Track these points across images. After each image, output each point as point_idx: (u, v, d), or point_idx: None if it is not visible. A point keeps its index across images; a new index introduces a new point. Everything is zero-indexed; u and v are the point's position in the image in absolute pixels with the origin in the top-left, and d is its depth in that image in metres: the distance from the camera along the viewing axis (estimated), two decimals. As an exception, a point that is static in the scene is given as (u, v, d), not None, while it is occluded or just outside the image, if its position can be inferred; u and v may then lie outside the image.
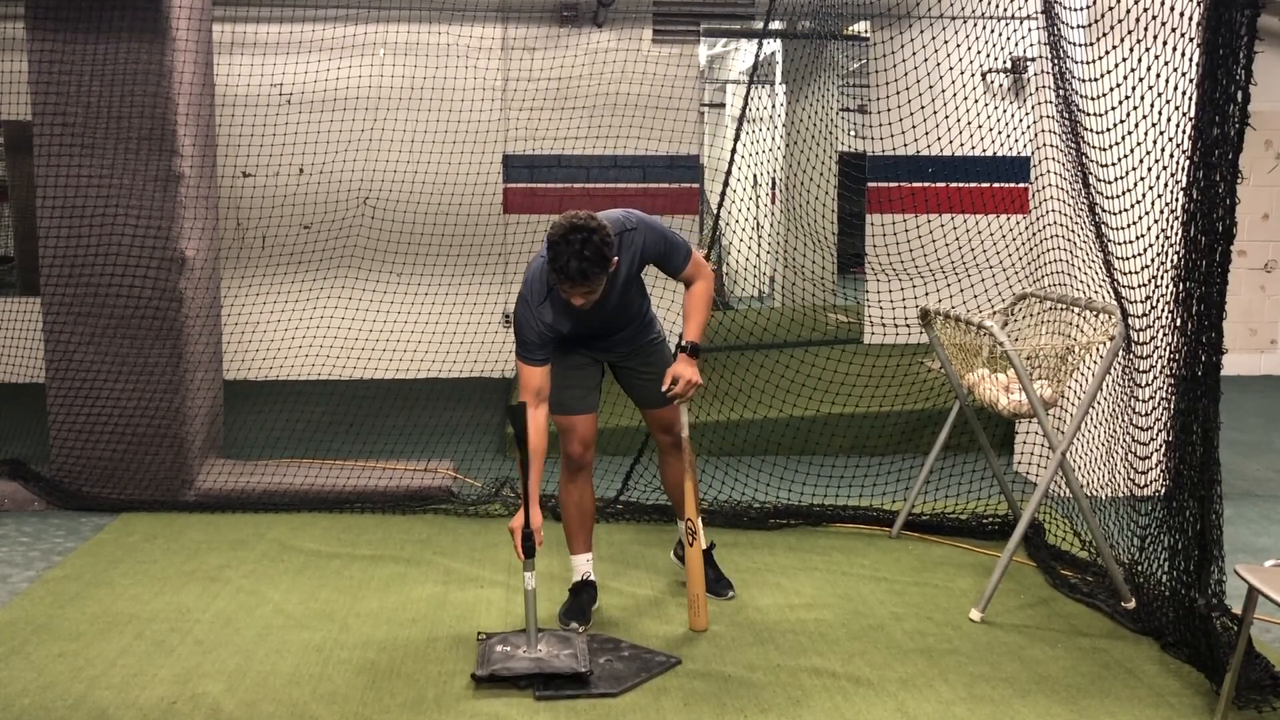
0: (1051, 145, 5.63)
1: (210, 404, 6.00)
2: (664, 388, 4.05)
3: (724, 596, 4.44)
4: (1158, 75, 3.96)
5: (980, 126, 6.99)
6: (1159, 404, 4.01)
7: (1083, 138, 4.77)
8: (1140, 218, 4.24)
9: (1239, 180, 3.45)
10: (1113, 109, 4.41)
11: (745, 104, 6.73)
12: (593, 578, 4.33)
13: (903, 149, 6.79)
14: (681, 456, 4.31)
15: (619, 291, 4.03)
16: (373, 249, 8.77)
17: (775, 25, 11.05)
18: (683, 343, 4.07)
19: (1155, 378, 4.06)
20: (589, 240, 3.67)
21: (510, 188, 9.33)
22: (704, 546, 4.35)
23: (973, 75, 7.46)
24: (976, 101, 7.11)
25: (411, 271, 8.75)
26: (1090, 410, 4.75)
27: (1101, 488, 4.86)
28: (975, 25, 6.72)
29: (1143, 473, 4.22)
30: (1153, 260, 4.09)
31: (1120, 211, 4.38)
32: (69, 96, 5.56)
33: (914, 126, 6.53)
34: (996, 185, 8.68)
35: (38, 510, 5.66)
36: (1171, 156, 3.87)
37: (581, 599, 4.27)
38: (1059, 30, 5.21)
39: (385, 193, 8.56)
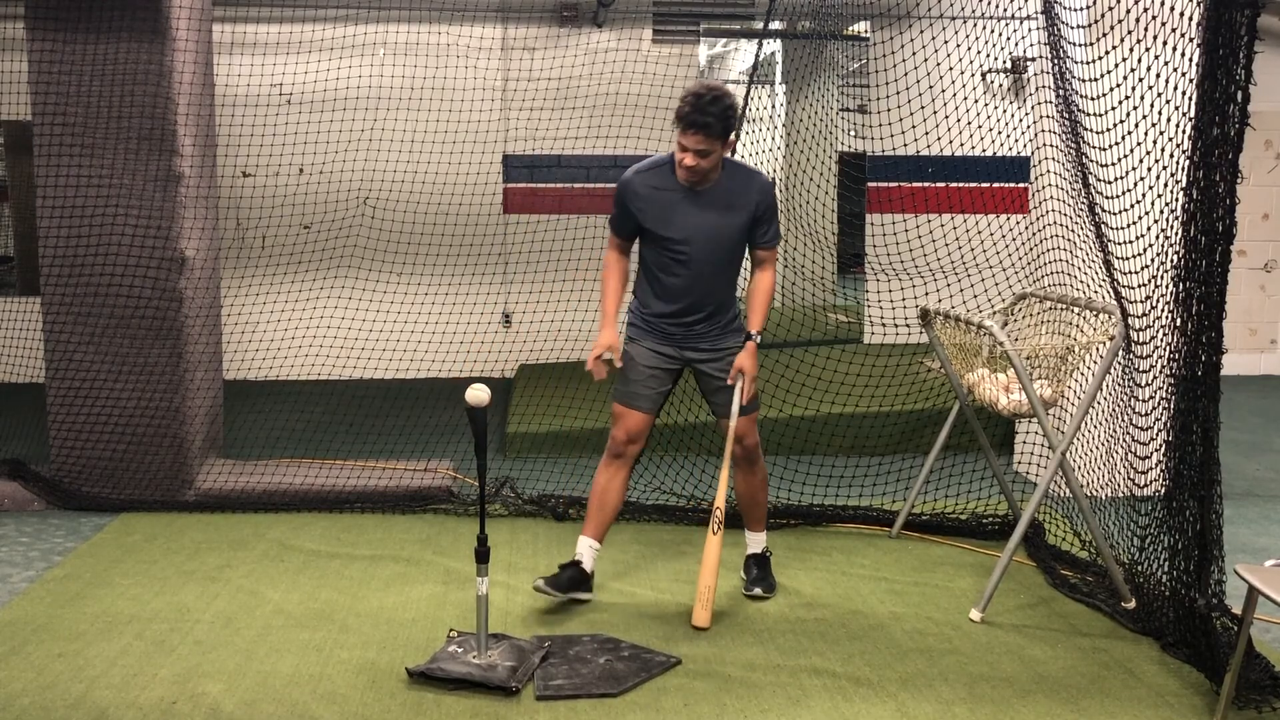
0: (1051, 145, 5.63)
1: (210, 404, 6.00)
2: (730, 379, 4.21)
3: (748, 591, 4.48)
4: (1158, 75, 3.96)
5: (980, 126, 6.99)
6: (1159, 404, 4.01)
7: (1083, 138, 4.77)
8: (1140, 218, 4.24)
9: (1239, 180, 3.45)
10: (1113, 109, 4.41)
11: (745, 104, 6.73)
12: (585, 565, 4.32)
13: (903, 149, 6.79)
14: (753, 469, 4.41)
15: (727, 221, 4.16)
16: (373, 249, 8.76)
17: (775, 25, 11.05)
18: (751, 332, 4.26)
19: (1155, 378, 4.06)
20: (718, 99, 3.97)
21: (510, 188, 9.33)
22: (756, 552, 4.54)
23: (973, 75, 7.46)
24: (976, 101, 7.11)
25: (411, 271, 8.75)
26: (1090, 410, 4.75)
27: (1101, 488, 4.86)
28: (975, 25, 6.72)
29: (1143, 473, 4.22)
30: (1153, 260, 4.09)
31: (1120, 211, 4.38)
32: (69, 96, 5.56)
33: (914, 126, 6.53)
34: (996, 185, 8.68)
35: (38, 510, 5.66)
36: (1171, 156, 3.87)
37: (560, 576, 4.29)
38: (1059, 30, 5.21)
39: (385, 193, 8.56)
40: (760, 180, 4.25)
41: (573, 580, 4.29)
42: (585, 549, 4.34)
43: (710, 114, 3.94)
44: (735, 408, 4.27)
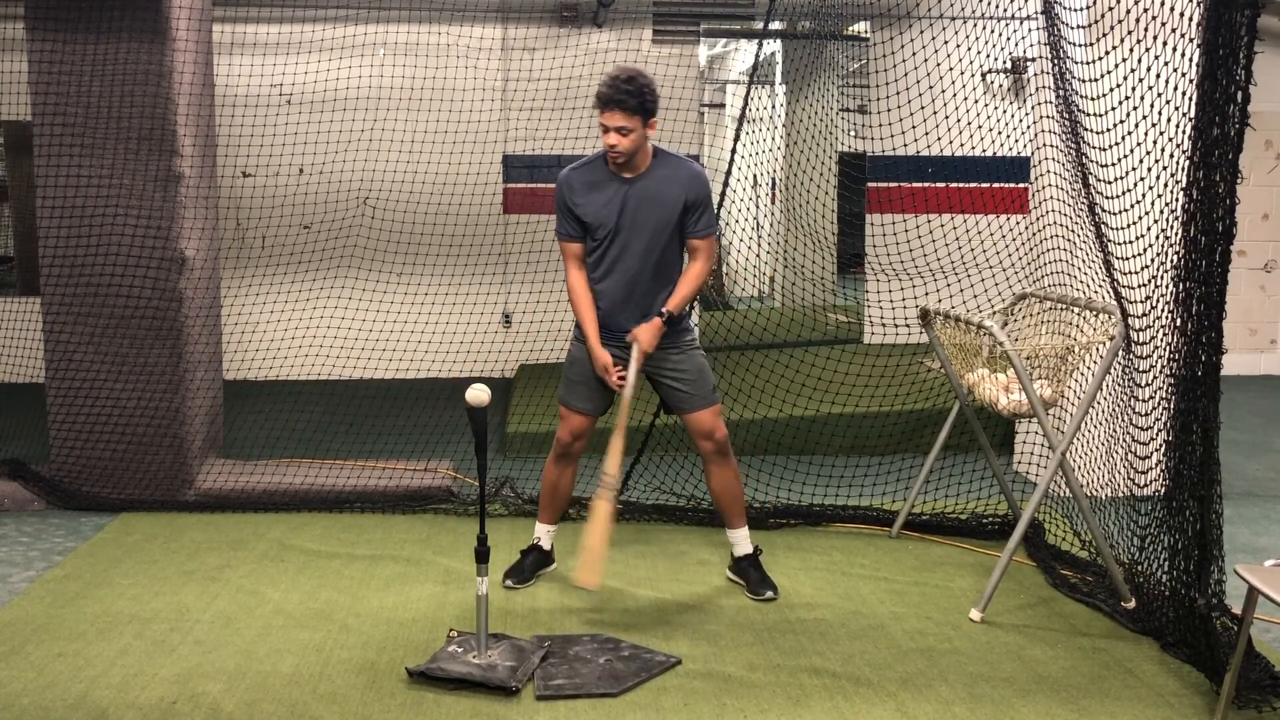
0: (1051, 145, 5.62)
1: (210, 404, 6.00)
2: (629, 339, 4.28)
3: (760, 596, 4.46)
4: (1158, 75, 3.96)
5: (980, 126, 6.99)
6: (1159, 404, 4.01)
7: (1083, 138, 4.77)
8: (1140, 218, 4.24)
9: (1239, 180, 3.45)
10: (1113, 109, 4.41)
11: (745, 104, 6.73)
12: (545, 545, 4.65)
13: (903, 149, 6.79)
14: (727, 464, 4.44)
15: (659, 209, 4.22)
16: (373, 249, 8.77)
17: (775, 25, 11.05)
18: (662, 310, 4.29)
19: (1155, 378, 4.07)
20: (633, 79, 4.09)
21: (510, 188, 9.33)
22: (749, 552, 4.55)
23: (972, 75, 7.46)
24: (976, 101, 7.11)
25: (411, 271, 8.75)
26: (1090, 410, 4.75)
27: (1101, 488, 4.86)
28: (975, 25, 6.71)
29: (1143, 473, 4.22)
30: (1153, 260, 4.09)
31: (1120, 211, 4.38)
32: (69, 96, 5.56)
33: (914, 126, 6.53)
34: (996, 185, 8.68)
35: (38, 510, 5.66)
36: (1171, 156, 3.87)
37: (524, 561, 4.61)
38: (1059, 30, 5.21)
39: (385, 193, 8.56)
40: (690, 168, 4.30)
41: (536, 563, 4.64)
42: (543, 533, 4.67)
43: (624, 91, 4.06)
44: (631, 374, 4.28)
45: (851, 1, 8.01)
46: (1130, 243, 4.32)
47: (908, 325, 7.00)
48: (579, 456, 4.59)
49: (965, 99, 6.95)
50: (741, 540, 4.56)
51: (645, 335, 4.27)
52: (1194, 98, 3.58)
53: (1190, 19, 3.73)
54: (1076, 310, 4.59)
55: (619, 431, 4.27)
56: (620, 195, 4.24)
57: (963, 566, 4.88)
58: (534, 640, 3.94)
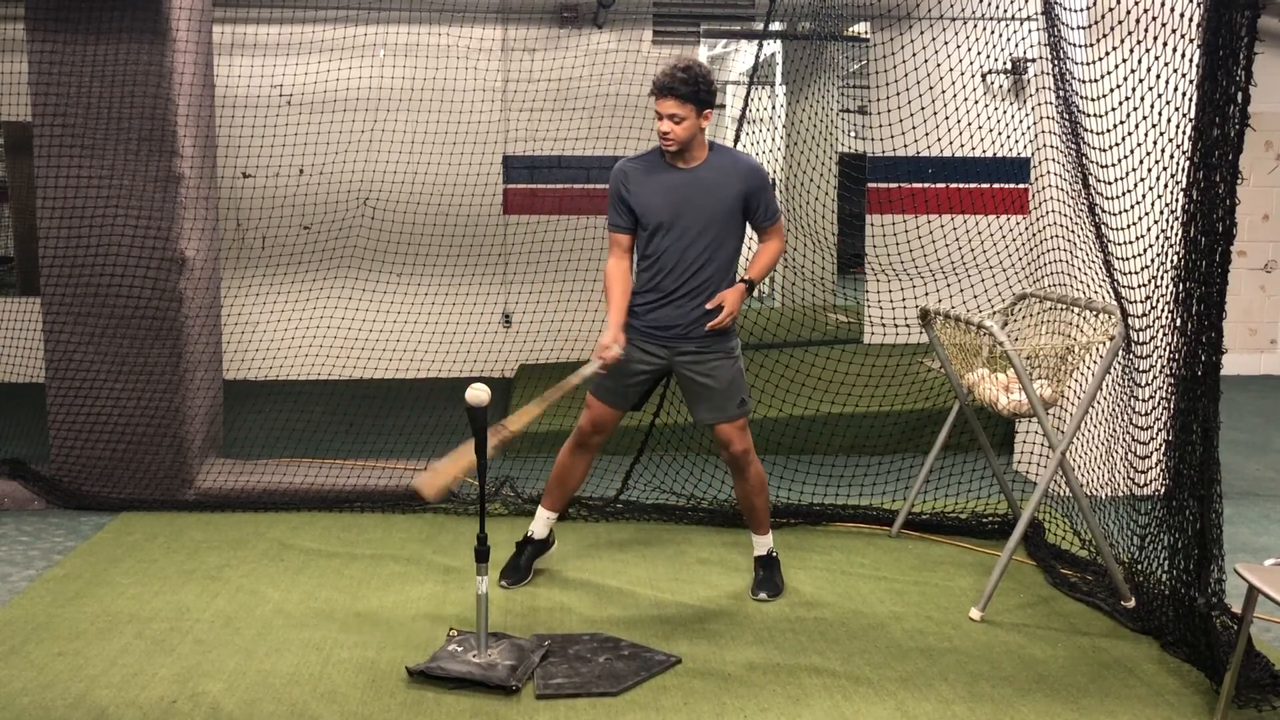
0: (1051, 145, 5.63)
1: (210, 404, 6.01)
2: (710, 306, 4.26)
3: (753, 595, 4.47)
4: (1158, 76, 3.97)
5: (980, 127, 6.99)
6: (1159, 404, 4.01)
7: (1083, 138, 4.77)
8: (1140, 218, 4.24)
9: (1239, 181, 3.46)
10: (1113, 109, 4.41)
11: (745, 104, 6.73)
12: (540, 534, 4.61)
13: (903, 149, 6.79)
14: (745, 477, 4.43)
15: (713, 198, 4.22)
16: (373, 249, 8.76)
17: (775, 26, 11.06)
18: (744, 275, 4.33)
19: (1155, 378, 4.07)
20: (689, 68, 4.14)
21: (510, 188, 9.33)
22: (760, 554, 4.56)
23: (973, 76, 7.46)
24: (976, 102, 7.11)
25: (411, 271, 8.75)
26: (1090, 410, 4.75)
27: (1101, 487, 4.87)
28: (975, 26, 6.72)
29: (1143, 472, 4.23)
30: (1153, 260, 4.09)
31: (1120, 212, 4.39)
32: (69, 97, 5.56)
33: (914, 127, 6.53)
34: (996, 186, 8.68)
35: (38, 510, 5.66)
36: (1171, 157, 3.87)
37: (519, 559, 4.59)
38: (1059, 31, 5.21)
39: (385, 193, 8.56)
40: (746, 160, 4.34)
41: (532, 555, 4.62)
42: (543, 519, 4.63)
43: (678, 79, 4.10)
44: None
45: (851, 2, 8.02)
46: (1130, 243, 4.32)
47: (908, 325, 6.99)
48: (596, 450, 4.57)
49: (965, 99, 6.95)
50: (757, 545, 4.59)
51: (731, 296, 4.26)
52: (1194, 98, 3.58)
53: (1190, 19, 3.73)
54: (1076, 310, 4.60)
55: (545, 400, 4.21)
56: (673, 184, 4.25)
57: (963, 566, 4.88)
58: (534, 639, 3.95)
